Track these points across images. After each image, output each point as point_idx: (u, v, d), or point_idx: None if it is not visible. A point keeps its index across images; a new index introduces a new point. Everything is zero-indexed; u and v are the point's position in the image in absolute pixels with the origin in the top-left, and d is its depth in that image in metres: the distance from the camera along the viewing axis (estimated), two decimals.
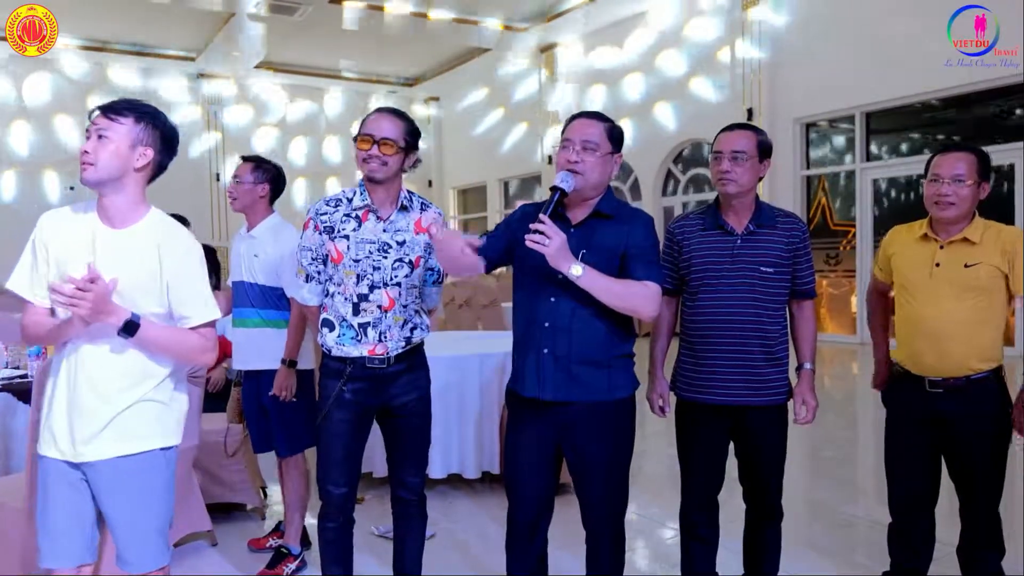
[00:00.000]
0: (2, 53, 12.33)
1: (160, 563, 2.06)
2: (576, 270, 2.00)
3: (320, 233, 2.38)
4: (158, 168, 2.01)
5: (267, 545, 3.34)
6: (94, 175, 1.89)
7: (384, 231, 2.36)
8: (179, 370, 2.08)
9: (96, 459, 1.94)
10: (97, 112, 1.93)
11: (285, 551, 3.13)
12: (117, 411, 1.94)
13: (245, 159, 3.17)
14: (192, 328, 2.00)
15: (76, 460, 1.94)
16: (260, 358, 3.09)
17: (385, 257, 2.35)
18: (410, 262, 2.38)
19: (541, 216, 1.99)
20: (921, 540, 2.58)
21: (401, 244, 2.37)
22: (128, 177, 1.93)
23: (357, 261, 2.34)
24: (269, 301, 3.09)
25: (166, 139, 1.99)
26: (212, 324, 2.05)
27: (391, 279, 2.36)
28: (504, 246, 2.24)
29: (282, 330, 3.02)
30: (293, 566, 3.10)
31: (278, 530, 3.39)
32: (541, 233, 1.95)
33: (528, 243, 1.97)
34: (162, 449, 2.03)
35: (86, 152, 1.89)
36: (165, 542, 2.08)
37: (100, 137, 1.89)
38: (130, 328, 1.87)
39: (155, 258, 1.95)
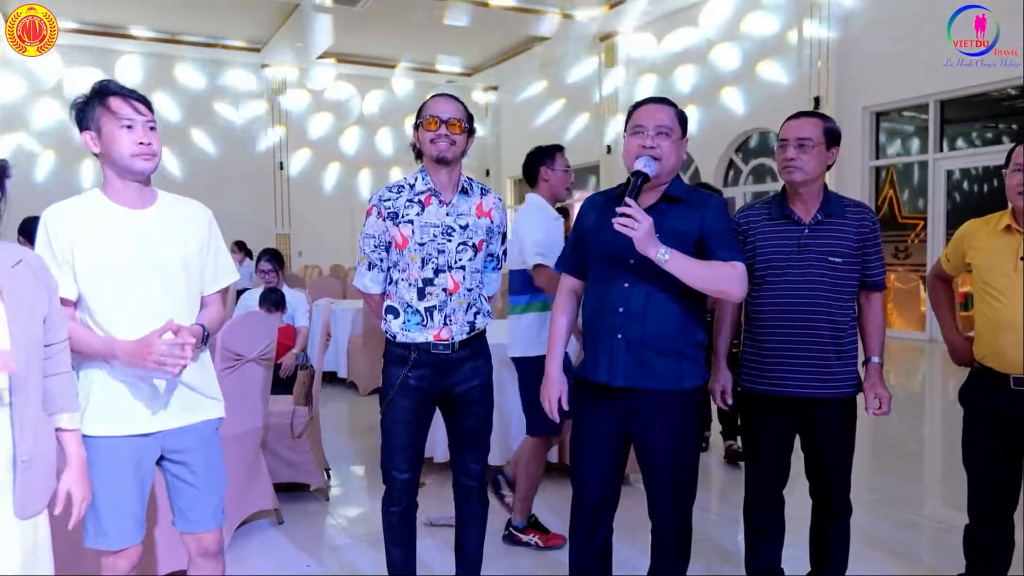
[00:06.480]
0: (87, 45, 12.82)
1: (220, 520, 2.14)
2: (663, 255, 1.99)
3: (384, 220, 2.37)
4: None
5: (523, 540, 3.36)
6: (154, 164, 1.96)
7: (447, 215, 2.37)
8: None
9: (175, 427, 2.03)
10: (135, 101, 1.93)
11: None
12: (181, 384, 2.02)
13: None
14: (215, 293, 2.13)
15: (151, 431, 1.99)
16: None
17: (449, 240, 2.36)
18: (473, 245, 2.39)
19: (627, 200, 1.99)
20: (999, 544, 2.48)
21: (464, 228, 2.38)
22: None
23: (422, 245, 2.34)
24: None
25: None
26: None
27: (455, 262, 2.36)
28: (581, 251, 2.29)
29: None
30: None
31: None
32: (629, 216, 1.95)
33: (617, 227, 1.97)
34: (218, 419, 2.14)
35: (149, 144, 1.92)
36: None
37: (152, 128, 1.95)
38: (206, 338, 2.04)
39: (195, 233, 2.05)
